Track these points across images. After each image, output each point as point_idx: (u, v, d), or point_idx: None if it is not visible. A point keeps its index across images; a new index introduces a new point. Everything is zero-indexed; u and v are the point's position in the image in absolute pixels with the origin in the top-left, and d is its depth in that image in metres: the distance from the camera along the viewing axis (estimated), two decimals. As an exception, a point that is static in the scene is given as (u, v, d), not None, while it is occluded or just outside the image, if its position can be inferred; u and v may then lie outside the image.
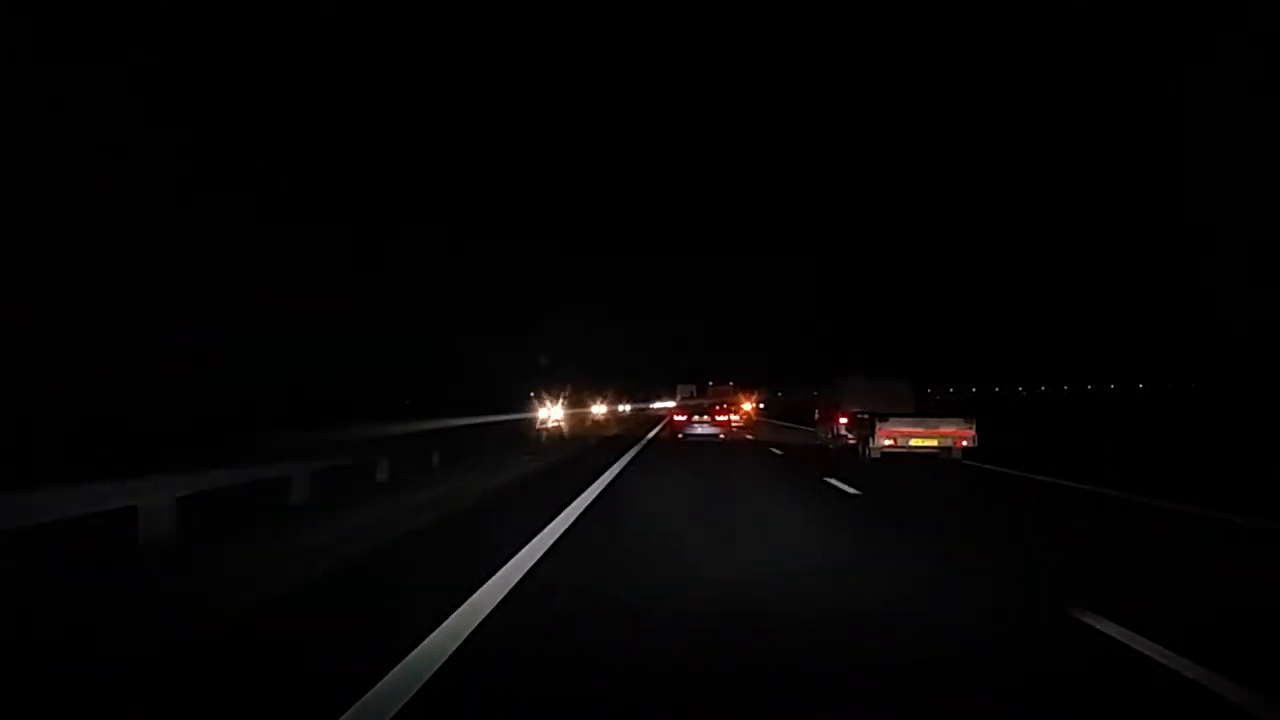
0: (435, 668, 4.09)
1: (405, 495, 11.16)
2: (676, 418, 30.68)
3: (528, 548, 7.24)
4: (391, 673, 3.96)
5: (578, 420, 32.91)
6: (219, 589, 5.95)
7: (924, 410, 21.28)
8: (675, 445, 25.04)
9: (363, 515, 9.31)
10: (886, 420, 18.41)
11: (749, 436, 31.48)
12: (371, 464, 12.96)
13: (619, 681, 4.07)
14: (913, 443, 18.25)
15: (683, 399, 35.85)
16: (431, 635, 4.60)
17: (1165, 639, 4.56)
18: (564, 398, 28.56)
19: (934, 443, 18.33)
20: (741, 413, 50.74)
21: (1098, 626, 4.90)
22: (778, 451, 22.29)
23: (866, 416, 19.37)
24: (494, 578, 6.03)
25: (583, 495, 11.02)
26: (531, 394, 27.10)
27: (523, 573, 6.29)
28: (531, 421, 25.47)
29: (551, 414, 26.88)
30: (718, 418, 29.27)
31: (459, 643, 4.50)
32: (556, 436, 25.47)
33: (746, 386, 57.98)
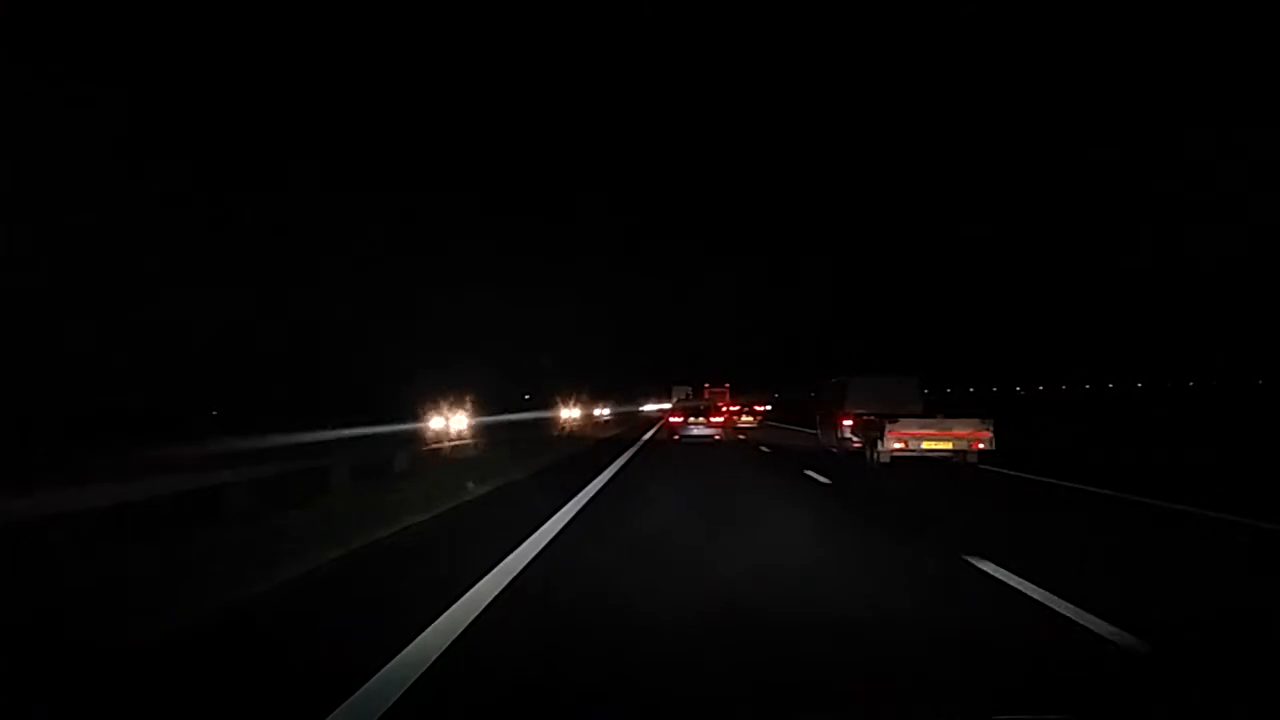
0: None
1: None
2: (673, 419, 29.93)
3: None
4: None
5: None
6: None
7: (936, 410, 19.89)
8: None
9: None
10: (896, 422, 17.04)
11: (741, 438, 30.44)
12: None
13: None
14: (925, 446, 16.85)
15: (679, 401, 35.63)
16: None
17: None
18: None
19: (948, 446, 16.90)
20: (756, 415, 49.97)
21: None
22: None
23: (874, 418, 18.01)
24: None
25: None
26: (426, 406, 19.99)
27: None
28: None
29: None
30: (713, 419, 28.48)
31: None
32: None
33: (750, 390, 57.33)
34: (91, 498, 7.40)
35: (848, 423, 20.16)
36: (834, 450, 20.95)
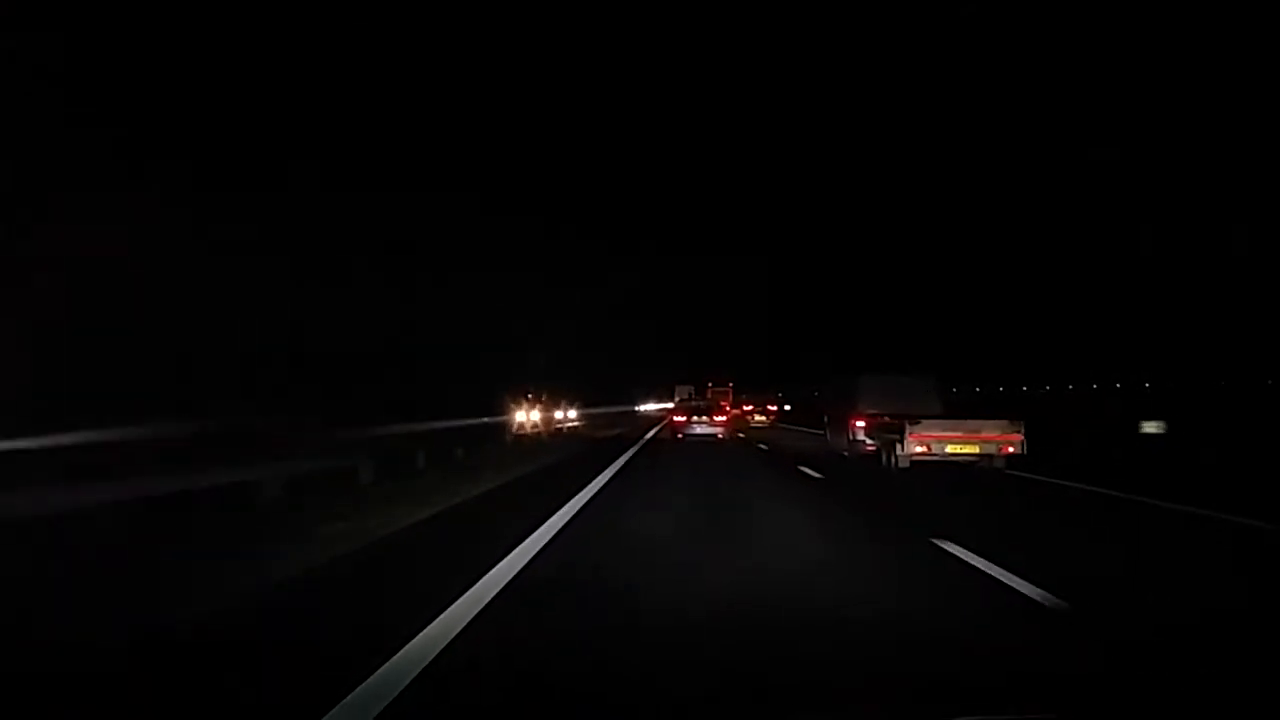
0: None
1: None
2: (676, 418, 30.36)
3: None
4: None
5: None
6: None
7: (960, 411, 18.73)
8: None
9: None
10: (918, 424, 15.96)
11: (741, 435, 30.36)
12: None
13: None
14: (949, 449, 15.78)
15: (681, 400, 35.96)
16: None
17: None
18: None
19: (974, 449, 15.83)
20: (769, 414, 49.16)
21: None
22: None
23: (891, 419, 16.88)
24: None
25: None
26: None
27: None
28: None
29: None
30: (716, 418, 28.87)
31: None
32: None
33: (751, 389, 56.50)
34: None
35: (860, 424, 19.07)
36: (844, 453, 19.82)
